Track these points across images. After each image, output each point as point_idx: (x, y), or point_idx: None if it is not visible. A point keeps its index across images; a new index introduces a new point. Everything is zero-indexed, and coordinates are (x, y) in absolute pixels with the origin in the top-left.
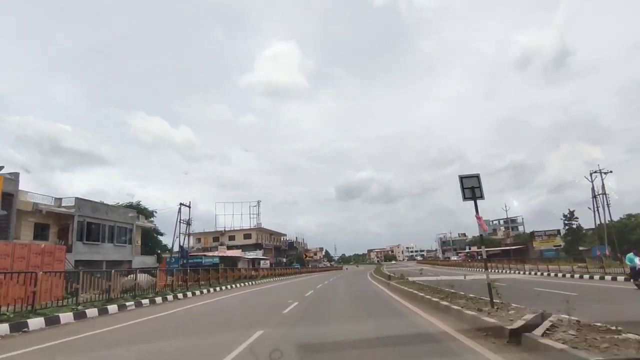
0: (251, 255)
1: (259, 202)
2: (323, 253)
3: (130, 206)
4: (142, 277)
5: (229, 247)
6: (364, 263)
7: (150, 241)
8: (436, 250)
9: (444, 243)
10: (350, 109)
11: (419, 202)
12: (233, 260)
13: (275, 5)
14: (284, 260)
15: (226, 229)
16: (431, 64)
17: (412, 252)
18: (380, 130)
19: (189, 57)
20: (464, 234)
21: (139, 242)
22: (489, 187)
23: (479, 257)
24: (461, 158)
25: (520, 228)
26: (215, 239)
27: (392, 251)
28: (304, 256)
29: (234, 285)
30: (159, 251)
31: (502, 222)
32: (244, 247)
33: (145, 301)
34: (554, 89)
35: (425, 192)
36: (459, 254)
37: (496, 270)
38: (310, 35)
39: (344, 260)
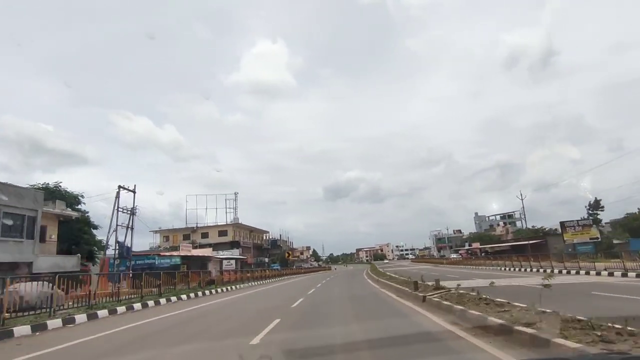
0: (226, 254)
1: (236, 194)
2: (310, 252)
3: (44, 189)
4: (29, 288)
5: (202, 246)
6: (352, 262)
7: (78, 236)
8: (430, 248)
9: (439, 240)
10: (339, 109)
11: (407, 201)
12: (202, 261)
13: (262, 3)
14: (266, 260)
15: (198, 225)
16: (419, 64)
17: (402, 250)
18: (368, 130)
19: (174, 55)
20: (460, 231)
21: (54, 236)
22: (475, 185)
23: (483, 254)
24: (448, 158)
25: (518, 224)
26: (186, 237)
27: (382, 250)
28: (286, 255)
29: (171, 299)
30: (96, 249)
31: (498, 217)
32: (218, 246)
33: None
34: (540, 88)
35: (413, 191)
36: (460, 252)
37: (517, 269)
38: (298, 33)
39: (332, 259)
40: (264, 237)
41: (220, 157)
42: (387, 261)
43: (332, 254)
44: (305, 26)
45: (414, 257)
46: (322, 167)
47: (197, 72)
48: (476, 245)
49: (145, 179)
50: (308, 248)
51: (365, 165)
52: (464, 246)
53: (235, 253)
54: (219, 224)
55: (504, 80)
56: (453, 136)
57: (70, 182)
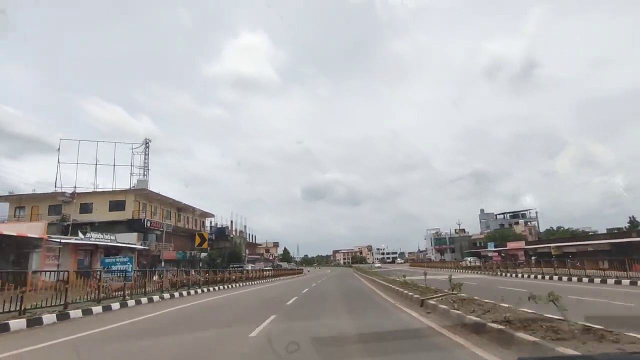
0: (102, 240)
1: (147, 141)
2: (280, 251)
3: None
4: None
5: (78, 226)
6: (329, 265)
7: None
8: (425, 250)
9: (437, 241)
10: (320, 109)
11: (385, 205)
12: (16, 248)
13: None
14: (201, 256)
15: (77, 191)
16: (403, 68)
17: (383, 253)
18: (348, 132)
19: (151, 41)
20: (463, 230)
21: None
22: (450, 193)
23: (534, 258)
24: (426, 164)
25: (534, 224)
26: (55, 209)
27: (361, 252)
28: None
29: None
30: None
31: (508, 216)
32: (109, 227)
33: None
34: (520, 99)
35: (391, 195)
36: (492, 256)
37: None
38: (283, 29)
39: (307, 261)
40: (204, 223)
41: (197, 151)
42: (377, 265)
43: (306, 255)
44: (290, 22)
45: (402, 260)
46: (300, 167)
47: (175, 60)
48: (516, 244)
49: (116, 170)
50: (276, 245)
51: (344, 167)
52: (475, 247)
53: (131, 239)
54: (114, 190)
55: (485, 89)
56: (433, 142)
57: (36, 170)
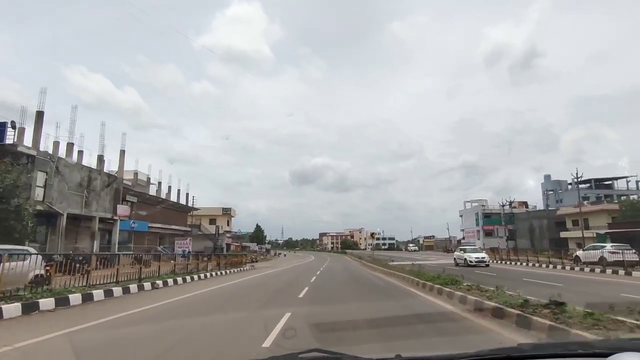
0: None
1: None
2: (237, 227)
3: None
4: None
5: None
6: (314, 249)
7: None
8: (462, 234)
9: (487, 218)
10: (313, 92)
11: (374, 193)
12: None
13: None
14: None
15: None
16: (401, 53)
17: (378, 238)
18: (341, 118)
19: (138, 8)
20: (525, 204)
21: None
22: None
23: None
24: (420, 153)
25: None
26: None
27: (352, 236)
28: None
29: None
30: None
31: (582, 185)
32: None
33: None
34: (517, 91)
35: (381, 184)
36: None
37: None
38: (278, 1)
39: (290, 244)
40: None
41: (184, 129)
42: (416, 250)
43: (290, 238)
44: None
45: (416, 247)
46: (290, 150)
47: (163, 30)
48: None
49: (97, 144)
50: (226, 213)
51: (334, 152)
52: (563, 228)
53: None
54: None
55: (483, 78)
56: (426, 132)
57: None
